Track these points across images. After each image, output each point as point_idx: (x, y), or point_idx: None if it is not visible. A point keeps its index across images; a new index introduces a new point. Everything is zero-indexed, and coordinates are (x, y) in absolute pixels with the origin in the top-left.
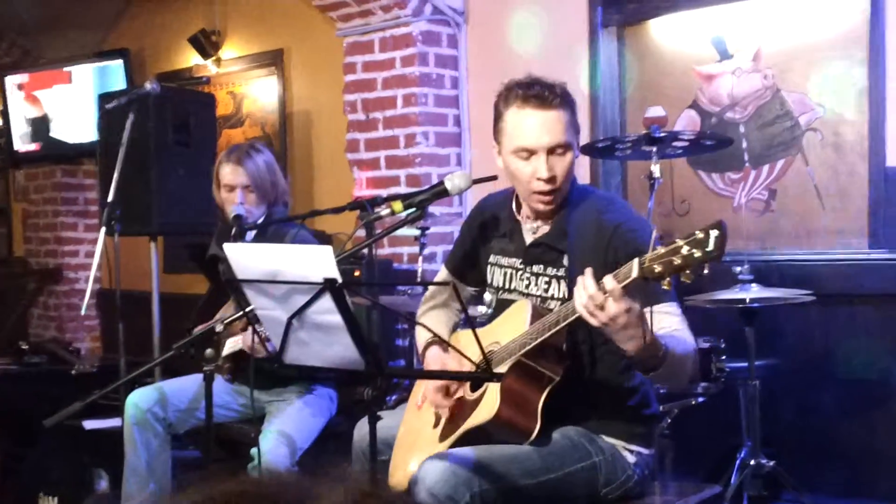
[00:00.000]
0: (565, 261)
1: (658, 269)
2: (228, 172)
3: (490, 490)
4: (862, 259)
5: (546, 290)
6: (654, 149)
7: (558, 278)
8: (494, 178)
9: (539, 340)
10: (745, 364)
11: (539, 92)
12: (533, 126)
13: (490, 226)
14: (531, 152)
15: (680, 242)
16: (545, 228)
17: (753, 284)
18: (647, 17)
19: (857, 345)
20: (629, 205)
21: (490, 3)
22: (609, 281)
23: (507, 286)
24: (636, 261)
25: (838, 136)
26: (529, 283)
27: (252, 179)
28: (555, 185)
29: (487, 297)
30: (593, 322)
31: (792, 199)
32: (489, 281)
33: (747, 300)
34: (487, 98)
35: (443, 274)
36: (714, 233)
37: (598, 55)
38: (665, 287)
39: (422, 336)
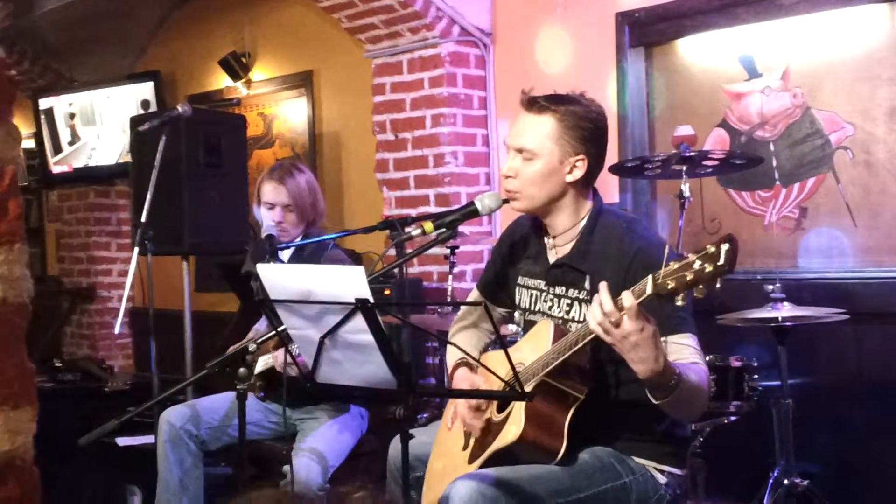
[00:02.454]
0: (587, 283)
1: (671, 284)
2: (270, 190)
3: None
4: (894, 277)
5: (567, 313)
6: (684, 168)
7: (580, 301)
8: None
9: (561, 360)
10: (778, 383)
11: (531, 97)
12: (515, 125)
13: (519, 247)
14: (508, 150)
15: (692, 258)
16: (567, 249)
17: (785, 303)
18: (675, 37)
19: (891, 363)
20: (650, 228)
21: (517, 24)
22: (627, 297)
23: (532, 307)
24: (650, 277)
25: (869, 154)
26: (552, 305)
27: (293, 198)
28: (513, 186)
29: (517, 317)
30: (606, 339)
31: (823, 216)
32: (517, 302)
33: (780, 319)
34: (515, 118)
35: (474, 294)
36: (724, 247)
37: (626, 74)
38: (680, 303)
39: (452, 356)
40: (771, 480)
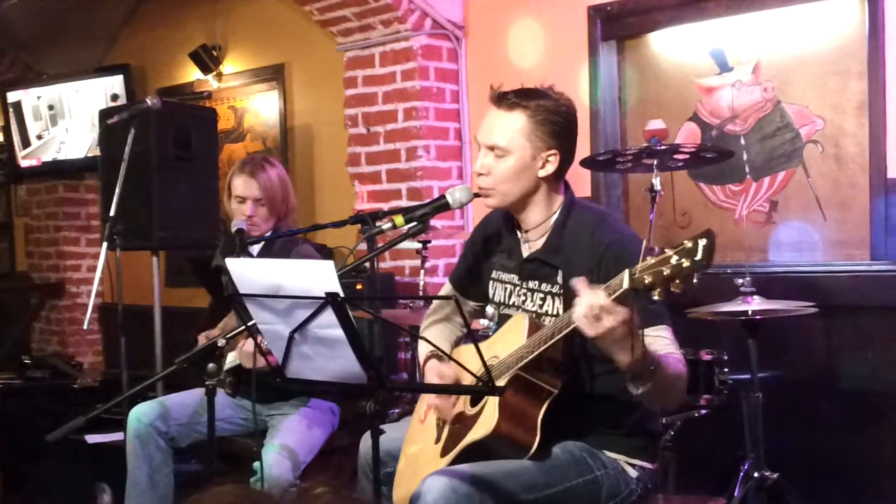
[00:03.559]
0: (559, 277)
1: (648, 279)
2: (241, 184)
3: None
4: (864, 270)
5: (541, 307)
6: (655, 161)
7: (553, 295)
8: None
9: (535, 353)
10: (749, 376)
11: (501, 94)
12: (485, 122)
13: (493, 242)
14: (480, 146)
15: (669, 252)
16: (540, 244)
17: (755, 296)
18: (647, 31)
19: (860, 356)
20: (622, 221)
21: (490, 18)
22: (599, 294)
23: (506, 301)
24: (626, 272)
25: (839, 147)
26: (526, 299)
27: (264, 192)
28: (486, 183)
29: (490, 311)
30: (589, 332)
31: (793, 210)
32: (491, 296)
33: (750, 312)
34: (487, 111)
35: (446, 289)
36: (702, 241)
37: (598, 68)
38: (656, 297)
39: (423, 349)
40: (741, 473)
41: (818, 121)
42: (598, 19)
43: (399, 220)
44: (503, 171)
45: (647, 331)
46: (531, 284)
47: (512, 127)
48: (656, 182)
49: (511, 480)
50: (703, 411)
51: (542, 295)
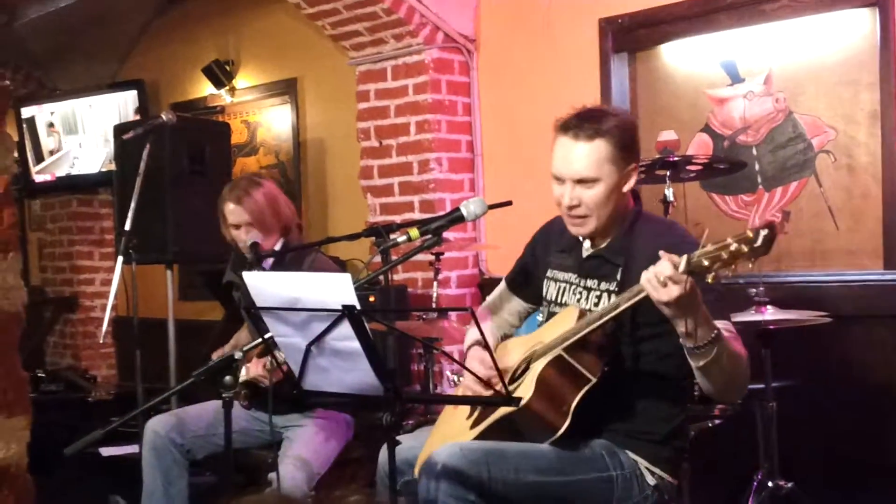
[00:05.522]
0: (619, 275)
1: (706, 262)
2: (231, 211)
3: (498, 478)
4: (877, 280)
5: (596, 305)
6: (668, 173)
7: (609, 293)
8: (509, 203)
9: (581, 334)
10: (762, 386)
11: (574, 123)
12: (562, 156)
13: (553, 241)
14: (561, 179)
15: (730, 240)
16: (604, 244)
17: (769, 306)
18: (659, 42)
19: (874, 365)
20: (688, 232)
21: (501, 30)
22: (666, 265)
23: (558, 300)
24: (686, 256)
25: (851, 158)
26: (581, 298)
27: (253, 216)
28: (580, 213)
29: (542, 312)
30: (653, 295)
31: (806, 220)
32: (544, 294)
33: (763, 322)
34: (500, 124)
35: (501, 286)
36: (764, 231)
37: (609, 80)
38: (710, 279)
39: (469, 336)
40: (755, 483)
41: (830, 131)
42: (610, 31)
43: (414, 232)
44: (595, 198)
45: None
46: (589, 283)
47: (597, 157)
48: (669, 193)
49: (522, 459)
50: (718, 421)
51: (598, 293)
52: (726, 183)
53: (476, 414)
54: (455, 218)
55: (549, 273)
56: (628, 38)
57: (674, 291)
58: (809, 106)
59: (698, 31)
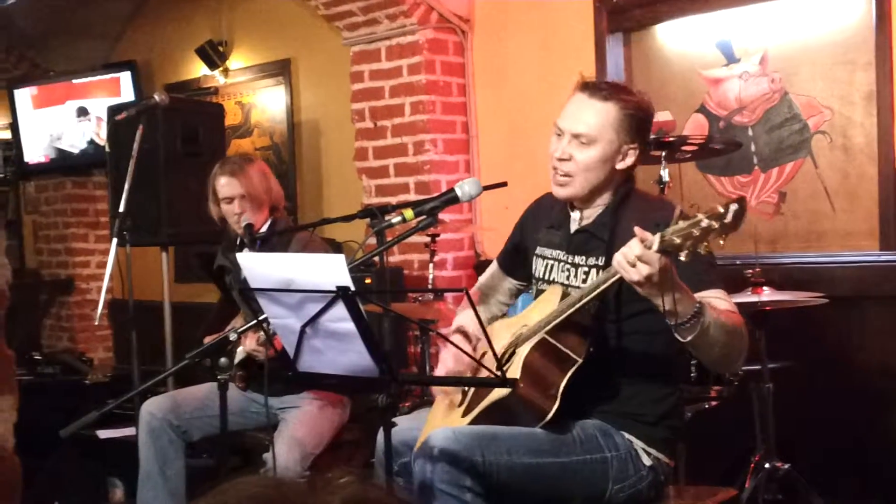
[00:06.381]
0: (605, 250)
1: (677, 240)
2: (224, 184)
3: (492, 461)
4: (873, 261)
5: (584, 281)
6: (663, 153)
7: (597, 268)
8: (504, 184)
9: (564, 316)
10: (758, 367)
11: (594, 84)
12: (571, 110)
13: (541, 218)
14: (561, 133)
15: (700, 216)
16: (591, 219)
17: (765, 287)
18: (654, 22)
19: (869, 346)
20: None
21: (495, 11)
22: (635, 245)
23: (546, 277)
24: (658, 234)
25: (847, 138)
26: (569, 275)
27: (246, 188)
28: (567, 169)
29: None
30: (626, 276)
31: (802, 201)
32: (533, 272)
33: (759, 303)
34: (494, 104)
35: (493, 266)
36: (734, 206)
37: (604, 61)
38: (683, 258)
39: (457, 320)
40: (752, 464)
41: (826, 111)
42: (605, 11)
43: (409, 213)
44: (586, 159)
45: (700, 294)
46: (577, 259)
47: (603, 117)
48: (664, 174)
49: (514, 441)
50: (714, 402)
51: (585, 269)
52: (722, 164)
53: (467, 402)
54: (450, 198)
55: (538, 250)
56: (623, 18)
57: (644, 270)
58: (805, 86)
59: (694, 11)
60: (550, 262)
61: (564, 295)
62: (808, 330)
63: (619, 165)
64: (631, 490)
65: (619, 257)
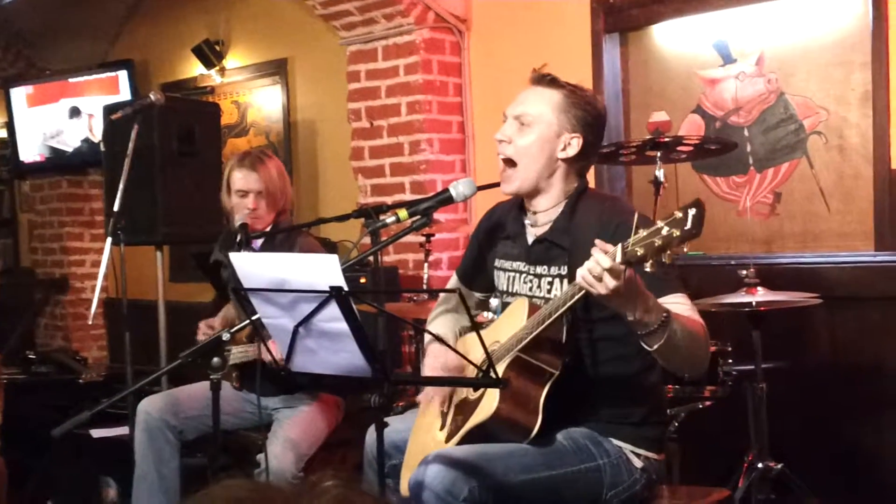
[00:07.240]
0: (567, 258)
1: (640, 251)
2: (241, 177)
3: (488, 485)
4: (868, 262)
5: (549, 291)
6: (659, 154)
7: (561, 277)
8: (498, 184)
9: (534, 334)
10: (753, 367)
11: (542, 74)
12: (519, 97)
13: (497, 230)
14: (505, 118)
15: (660, 224)
16: (547, 227)
17: (760, 287)
18: (650, 23)
19: (864, 347)
20: (632, 207)
21: (492, 11)
22: (602, 259)
23: (510, 289)
24: (619, 246)
25: (843, 139)
26: (532, 286)
27: (265, 185)
28: (506, 152)
29: (494, 302)
30: (592, 291)
31: (797, 202)
32: (496, 285)
33: (754, 303)
34: (491, 105)
35: (453, 281)
36: (692, 211)
37: (601, 61)
38: (648, 268)
39: (428, 338)
40: (745, 464)
41: (822, 112)
42: (602, 11)
43: (403, 213)
44: (525, 141)
45: (663, 299)
46: (539, 269)
47: (545, 100)
48: (660, 174)
49: (508, 461)
50: (708, 402)
51: (549, 279)
52: (718, 164)
53: (448, 425)
54: (444, 198)
55: (497, 263)
56: (620, 18)
57: (611, 284)
58: (801, 87)
59: (690, 11)
60: (511, 274)
61: (532, 307)
62: (803, 330)
63: (562, 154)
64: (626, 493)
65: (583, 272)
